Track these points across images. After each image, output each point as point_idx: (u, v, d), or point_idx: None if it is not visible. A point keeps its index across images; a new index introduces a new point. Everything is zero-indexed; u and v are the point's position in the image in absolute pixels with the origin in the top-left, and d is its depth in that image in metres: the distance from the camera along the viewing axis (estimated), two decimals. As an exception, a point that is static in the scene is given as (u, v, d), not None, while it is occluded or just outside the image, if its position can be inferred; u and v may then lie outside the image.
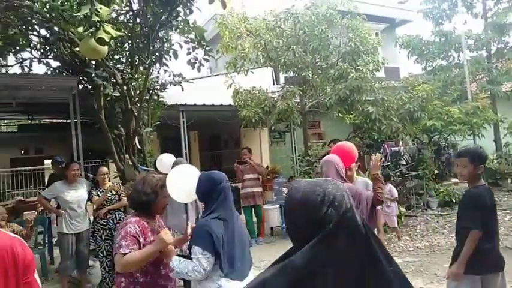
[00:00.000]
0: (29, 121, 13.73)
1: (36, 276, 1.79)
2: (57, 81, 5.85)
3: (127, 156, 6.51)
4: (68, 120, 12.74)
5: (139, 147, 6.39)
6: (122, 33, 5.10)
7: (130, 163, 6.39)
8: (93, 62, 6.08)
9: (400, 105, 7.70)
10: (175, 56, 5.93)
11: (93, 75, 5.53)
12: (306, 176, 7.58)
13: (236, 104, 8.28)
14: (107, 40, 3.04)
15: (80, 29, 3.15)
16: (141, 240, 2.28)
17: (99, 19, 3.07)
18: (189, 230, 2.50)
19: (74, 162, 5.57)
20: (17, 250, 1.65)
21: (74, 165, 5.33)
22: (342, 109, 7.70)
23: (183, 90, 6.87)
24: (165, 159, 5.29)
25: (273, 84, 11.65)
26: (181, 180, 2.58)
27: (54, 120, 13.84)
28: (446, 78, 11.83)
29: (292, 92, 7.57)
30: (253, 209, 7.02)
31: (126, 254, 2.18)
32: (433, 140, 10.26)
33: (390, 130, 7.33)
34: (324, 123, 12.19)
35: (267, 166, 9.51)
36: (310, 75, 7.92)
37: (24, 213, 4.81)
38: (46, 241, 6.73)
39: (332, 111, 7.83)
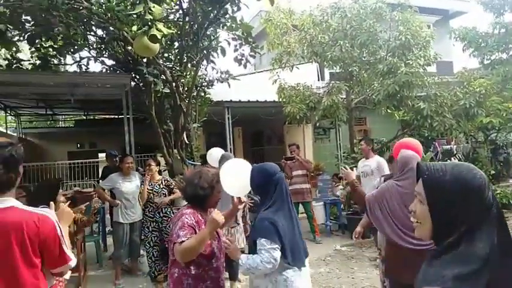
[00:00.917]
0: (85, 117, 14.60)
1: (67, 251, 1.83)
2: (111, 79, 6.15)
3: (175, 150, 6.73)
4: (120, 116, 13.44)
5: (187, 142, 6.58)
6: (173, 31, 5.26)
7: (179, 157, 6.60)
8: (145, 60, 6.34)
9: (454, 101, 7.29)
10: (223, 53, 6.03)
11: (144, 72, 5.76)
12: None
13: (281, 100, 8.27)
14: (159, 38, 3.15)
15: (134, 28, 3.30)
16: (197, 231, 2.32)
17: (151, 17, 3.18)
18: (236, 201, 2.55)
19: (128, 155, 5.83)
20: (28, 226, 1.71)
21: (128, 158, 5.59)
22: (390, 105, 7.45)
23: (229, 86, 6.97)
24: (214, 154, 5.41)
25: (318, 80, 11.50)
26: (235, 173, 2.60)
27: (107, 116, 14.62)
28: (505, 73, 11.01)
29: (338, 87, 7.43)
30: (301, 206, 6.96)
31: (183, 242, 2.22)
32: (489, 138, 9.64)
33: (443, 127, 6.97)
34: (370, 119, 11.85)
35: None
36: (357, 71, 7.72)
37: (93, 200, 5.17)
38: (100, 230, 7.14)
39: (380, 107, 7.60)
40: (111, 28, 6.00)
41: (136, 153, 8.47)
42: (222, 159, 4.89)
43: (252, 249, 2.34)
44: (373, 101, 7.60)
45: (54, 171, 11.88)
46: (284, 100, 8.04)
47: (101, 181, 7.51)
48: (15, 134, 14.09)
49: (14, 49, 6.94)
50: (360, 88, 8.18)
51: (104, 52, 7.36)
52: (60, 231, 1.80)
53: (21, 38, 5.79)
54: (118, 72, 6.83)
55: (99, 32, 6.84)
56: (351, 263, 5.85)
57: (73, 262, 1.88)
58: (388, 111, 8.11)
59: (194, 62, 6.48)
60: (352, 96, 8.23)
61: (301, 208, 6.81)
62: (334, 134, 10.15)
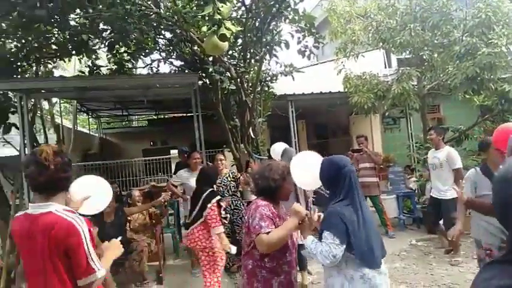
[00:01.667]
0: (156, 116, 15.50)
1: (92, 262, 1.79)
2: (180, 79, 6.44)
3: (242, 145, 6.88)
4: (188, 114, 14.03)
5: (253, 136, 6.68)
6: (241, 29, 5.34)
7: (246, 152, 6.74)
8: (210, 59, 6.55)
9: (545, 82, 6.51)
10: (287, 46, 6.01)
11: (211, 70, 5.94)
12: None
13: (346, 90, 8.03)
14: (228, 36, 3.22)
15: (204, 28, 3.40)
16: (275, 222, 2.35)
17: (220, 17, 3.26)
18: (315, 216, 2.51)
19: (195, 151, 6.08)
20: (56, 232, 1.75)
21: (195, 154, 5.83)
22: (469, 89, 6.86)
23: (294, 79, 6.93)
24: (277, 148, 5.45)
25: (385, 67, 10.97)
26: (305, 166, 2.59)
27: (176, 115, 15.38)
28: None
29: (408, 74, 7.01)
30: (368, 200, 6.75)
31: (268, 233, 2.25)
32: None
33: (531, 111, 6.27)
34: (444, 106, 11.05)
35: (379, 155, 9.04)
36: (430, 55, 7.22)
37: (163, 193, 5.50)
38: (174, 222, 7.56)
39: (457, 92, 7.04)
40: (178, 30, 6.28)
41: (205, 149, 8.82)
42: (284, 154, 4.91)
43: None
44: (448, 86, 7.06)
45: (131, 167, 12.80)
46: (350, 90, 7.79)
47: (173, 176, 7.95)
48: (96, 135, 15.43)
49: (94, 57, 7.58)
50: (433, 73, 7.63)
51: (172, 54, 7.73)
52: (86, 240, 1.78)
53: (102, 46, 6.29)
54: (186, 72, 7.13)
55: (167, 34, 7.20)
56: (428, 258, 5.54)
57: (100, 273, 1.83)
58: (466, 96, 7.47)
59: (258, 57, 6.54)
60: (424, 83, 7.72)
61: (369, 202, 6.57)
62: (404, 123, 9.63)
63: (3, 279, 5.01)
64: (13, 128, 6.57)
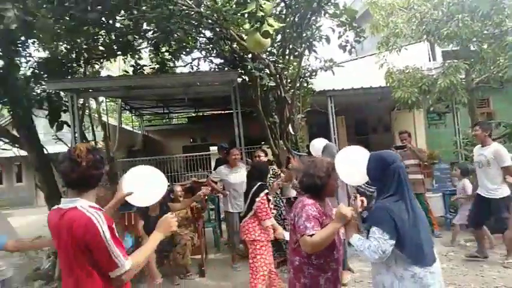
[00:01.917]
0: (196, 113, 15.83)
1: (115, 257, 1.77)
2: (220, 76, 6.54)
3: (281, 141, 6.88)
4: (227, 111, 14.22)
5: (292, 133, 6.66)
6: (283, 25, 5.32)
7: (285, 148, 6.74)
8: (250, 56, 6.60)
9: None
10: (328, 41, 5.93)
11: (250, 67, 5.98)
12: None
13: (389, 85, 7.79)
14: (271, 32, 3.23)
15: (246, 26, 3.42)
16: (320, 222, 2.33)
17: (263, 14, 3.28)
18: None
19: (234, 148, 6.16)
20: (76, 227, 1.75)
21: (234, 151, 5.90)
22: (523, 82, 6.45)
23: (334, 74, 6.83)
24: (316, 144, 5.40)
25: (429, 60, 10.54)
26: (352, 162, 2.55)
27: (215, 112, 15.63)
28: None
29: (456, 67, 6.68)
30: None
31: (313, 235, 2.25)
32: None
33: None
34: (494, 100, 10.44)
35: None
36: (479, 46, 6.84)
37: (203, 188, 5.64)
38: (215, 217, 7.71)
39: (509, 85, 6.63)
40: (218, 29, 6.38)
41: (244, 146, 8.90)
42: (325, 150, 4.85)
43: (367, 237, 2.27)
44: (499, 79, 6.67)
45: (172, 163, 13.20)
46: (393, 85, 7.55)
47: (213, 172, 8.10)
48: (139, 132, 16.01)
49: (137, 56, 7.88)
50: (482, 65, 7.23)
51: (212, 52, 7.87)
52: (105, 236, 1.76)
53: (146, 46, 6.52)
54: (226, 69, 7.23)
55: (207, 33, 7.33)
56: (477, 259, 5.28)
57: (124, 267, 1.80)
58: (520, 89, 7.04)
59: (297, 53, 6.51)
60: (472, 76, 7.33)
61: (414, 200, 6.34)
62: (450, 118, 9.21)
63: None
64: (64, 126, 6.98)
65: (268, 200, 4.30)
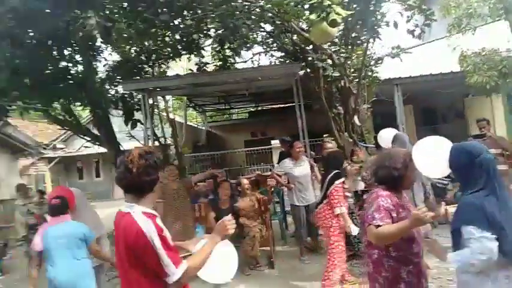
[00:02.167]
0: (256, 108, 16.01)
1: (165, 266, 1.73)
2: (282, 69, 6.53)
3: (346, 133, 6.73)
4: (287, 105, 14.20)
5: (358, 124, 6.47)
6: (351, 12, 5.14)
7: (350, 140, 6.57)
8: (310, 47, 6.51)
9: None
10: (396, 26, 5.65)
11: (313, 58, 5.90)
12: None
13: (462, 69, 7.24)
14: (339, 21, 3.16)
15: (313, 16, 3.38)
16: (394, 215, 2.24)
17: (330, 3, 3.21)
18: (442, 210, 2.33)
19: (297, 141, 6.12)
20: (128, 234, 1.77)
21: (297, 144, 5.87)
22: None
23: (401, 61, 6.51)
24: (385, 135, 5.17)
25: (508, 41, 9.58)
26: (431, 153, 2.42)
27: (274, 106, 15.70)
28: None
29: (541, 46, 6.03)
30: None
31: (379, 226, 2.17)
32: None
33: None
34: None
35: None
36: None
37: (268, 180, 5.74)
38: (280, 210, 7.77)
39: None
40: (278, 22, 6.36)
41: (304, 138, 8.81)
42: (396, 141, 4.63)
43: (455, 240, 2.09)
44: None
45: (234, 158, 13.53)
46: (467, 69, 7.00)
47: (276, 165, 8.14)
48: (203, 128, 16.60)
49: (200, 55, 8.14)
50: None
51: (272, 46, 7.89)
52: (154, 244, 1.73)
53: (211, 43, 6.70)
54: (288, 62, 7.20)
55: (267, 27, 7.35)
56: None
57: (175, 275, 1.76)
58: None
59: (359, 41, 6.30)
60: (562, 55, 6.57)
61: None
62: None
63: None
64: (137, 124, 7.46)
65: (344, 189, 4.36)
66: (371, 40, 6.40)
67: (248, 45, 7.64)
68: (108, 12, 3.87)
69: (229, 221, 2.03)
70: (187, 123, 13.83)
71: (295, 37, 6.86)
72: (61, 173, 19.34)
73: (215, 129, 17.49)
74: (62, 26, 4.43)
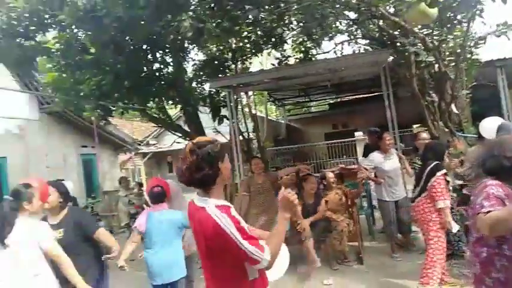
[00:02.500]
0: (337, 99, 15.61)
1: (251, 253, 1.69)
2: (370, 57, 6.22)
3: (441, 122, 6.20)
4: (369, 95, 13.61)
5: (456, 112, 5.93)
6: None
7: (446, 130, 6.05)
8: (398, 32, 6.10)
9: None
10: (504, 1, 5.01)
11: (404, 43, 5.52)
12: None
13: None
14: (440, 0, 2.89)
15: (410, -3, 3.14)
16: (507, 203, 2.01)
17: (429, -19, 2.96)
18: None
19: (386, 132, 5.79)
20: (203, 229, 1.74)
21: (387, 136, 5.54)
22: None
23: (509, 39, 5.77)
24: (487, 125, 4.65)
25: None
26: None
27: (357, 97, 15.16)
28: None
29: None
30: None
31: (488, 212, 1.97)
32: None
33: None
34: None
35: None
36: None
37: (359, 172, 5.54)
38: (367, 204, 7.49)
39: None
40: (363, 8, 6.06)
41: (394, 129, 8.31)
42: (501, 131, 4.15)
43: None
44: None
45: (315, 151, 13.37)
46: None
47: (360, 158, 7.84)
48: (283, 121, 16.70)
49: (281, 48, 8.16)
50: None
51: (356, 34, 7.57)
52: (235, 237, 1.68)
53: (296, 35, 6.64)
54: (375, 49, 6.86)
55: (352, 15, 7.07)
56: None
57: (265, 260, 1.72)
58: None
59: (457, 21, 5.72)
60: None
61: None
62: None
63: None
64: (224, 119, 7.76)
65: (447, 182, 4.08)
66: (472, 19, 5.78)
67: (330, 35, 7.42)
68: (198, 13, 4.04)
69: (289, 193, 1.90)
70: (268, 117, 14.00)
71: (381, 22, 6.49)
72: (153, 166, 21.03)
73: (294, 123, 17.47)
74: (156, 30, 4.76)
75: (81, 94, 6.48)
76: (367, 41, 7.30)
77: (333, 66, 6.51)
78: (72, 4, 4.24)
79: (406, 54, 5.72)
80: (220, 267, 1.80)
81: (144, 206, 8.42)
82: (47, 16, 5.19)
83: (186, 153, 1.77)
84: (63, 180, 3.35)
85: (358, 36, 7.34)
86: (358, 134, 11.14)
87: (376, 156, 5.58)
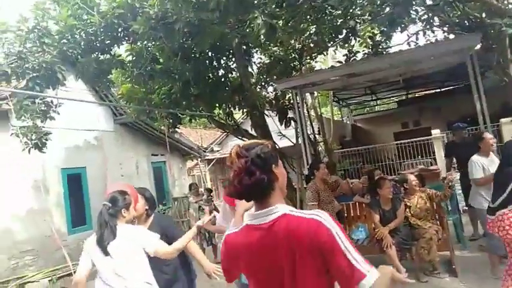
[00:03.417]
0: (407, 96, 14.66)
1: (358, 264, 1.33)
2: (455, 44, 5.61)
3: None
4: (443, 89, 12.58)
5: None
6: None
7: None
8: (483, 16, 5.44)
9: None
10: None
11: (500, 24, 4.85)
12: None
13: None
14: None
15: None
16: None
17: None
18: None
19: (487, 131, 5.06)
20: (300, 235, 1.36)
21: (487, 135, 4.80)
22: None
23: None
24: None
25: None
26: None
27: (427, 92, 14.13)
28: None
29: None
30: None
31: None
32: None
33: None
34: None
35: None
36: None
37: (447, 174, 4.96)
38: (454, 208, 6.76)
39: None
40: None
41: (471, 126, 7.43)
42: None
43: None
44: None
45: (383, 152, 12.59)
46: None
47: (442, 158, 7.15)
48: (347, 122, 16.08)
49: (347, 44, 7.74)
50: None
51: (431, 21, 6.93)
52: (340, 239, 1.35)
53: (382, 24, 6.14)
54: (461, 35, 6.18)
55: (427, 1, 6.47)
56: None
57: (369, 279, 1.32)
58: None
59: None
60: None
61: None
62: None
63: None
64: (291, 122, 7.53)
65: None
66: None
67: (403, 25, 6.87)
68: (268, 10, 3.87)
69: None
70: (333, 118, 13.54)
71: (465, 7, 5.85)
72: (218, 172, 21.43)
73: (360, 123, 16.76)
74: (226, 33, 4.68)
75: (153, 103, 6.65)
76: (446, 29, 6.63)
77: (410, 57, 5.98)
78: (144, 13, 4.30)
79: (501, 37, 5.04)
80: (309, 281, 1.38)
81: (214, 211, 8.50)
82: (120, 29, 5.38)
83: (232, 159, 1.49)
84: (145, 188, 3.31)
85: (436, 23, 6.69)
86: (436, 132, 10.25)
87: (480, 160, 4.81)
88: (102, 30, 5.18)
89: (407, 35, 7.40)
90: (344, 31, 6.56)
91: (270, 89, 8.67)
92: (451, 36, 6.47)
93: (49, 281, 7.04)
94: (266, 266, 1.45)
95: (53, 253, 7.77)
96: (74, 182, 8.81)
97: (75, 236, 8.08)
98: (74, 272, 3.29)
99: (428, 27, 6.81)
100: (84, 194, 9.06)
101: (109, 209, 2.51)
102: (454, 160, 6.78)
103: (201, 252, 3.17)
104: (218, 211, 8.52)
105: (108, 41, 5.49)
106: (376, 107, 18.37)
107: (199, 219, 8.47)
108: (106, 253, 2.41)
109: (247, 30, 3.94)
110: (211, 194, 8.69)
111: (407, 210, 5.28)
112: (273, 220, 1.43)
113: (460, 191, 6.65)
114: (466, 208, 6.44)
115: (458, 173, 6.53)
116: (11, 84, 5.53)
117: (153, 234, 2.61)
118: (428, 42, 7.17)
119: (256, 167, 1.43)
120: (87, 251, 2.50)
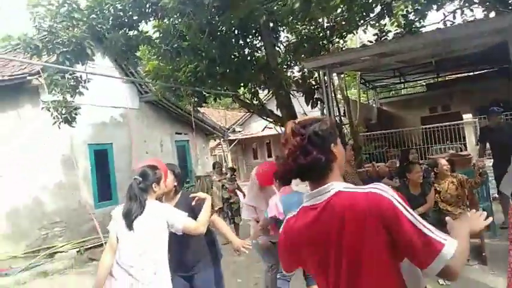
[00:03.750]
0: (437, 79, 14.13)
1: (431, 233, 1.16)
2: (497, 23, 5.28)
3: None
4: (475, 72, 12.02)
5: None
6: None
7: None
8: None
9: None
10: None
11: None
12: None
13: None
14: None
15: None
16: None
17: None
18: None
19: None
20: (359, 209, 1.22)
21: None
22: None
23: None
24: None
25: None
26: None
27: (459, 75, 13.57)
28: None
29: None
30: None
31: None
32: None
33: None
34: None
35: None
36: None
37: (477, 160, 4.76)
38: (484, 195, 6.55)
39: None
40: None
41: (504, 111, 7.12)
42: None
43: None
44: None
45: (410, 136, 12.26)
46: None
47: (468, 143, 6.88)
48: (374, 105, 15.71)
49: (377, 24, 7.45)
50: None
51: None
52: (405, 208, 1.20)
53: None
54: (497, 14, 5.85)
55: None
56: None
57: (448, 249, 1.14)
58: None
59: None
60: None
61: None
62: None
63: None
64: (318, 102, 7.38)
65: None
66: None
67: (439, 3, 6.54)
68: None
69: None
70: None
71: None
72: (239, 153, 21.51)
73: (386, 106, 16.33)
74: (254, 8, 4.56)
75: (179, 81, 6.63)
76: (486, 6, 6.25)
77: (446, 37, 5.68)
78: (174, -13, 4.23)
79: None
80: (370, 262, 1.24)
81: (237, 190, 8.54)
82: (148, 5, 5.33)
83: (287, 136, 1.36)
84: (174, 164, 3.29)
85: (475, 0, 6.33)
86: (467, 116, 9.87)
87: None
88: (130, 5, 5.15)
89: (444, 14, 7.07)
90: (377, 8, 6.29)
91: (296, 68, 8.49)
92: (492, 14, 6.09)
93: (77, 251, 7.31)
94: (323, 249, 1.33)
95: (81, 225, 8.03)
96: (101, 158, 9.00)
97: (101, 211, 8.30)
98: (105, 243, 3.34)
99: (467, 4, 6.46)
100: (110, 170, 9.25)
101: (139, 183, 2.47)
102: (488, 146, 6.51)
103: (228, 228, 3.17)
104: (241, 190, 8.52)
105: (136, 17, 5.46)
106: (403, 90, 17.83)
107: (223, 197, 8.55)
108: (130, 227, 2.39)
109: (278, 5, 3.80)
110: (235, 174, 8.72)
111: (436, 195, 5.14)
112: (328, 199, 1.32)
113: (492, 178, 6.41)
114: (497, 196, 6.22)
115: (492, 160, 6.28)
116: (41, 59, 5.60)
117: (180, 212, 2.58)
118: (466, 21, 6.83)
119: (313, 146, 1.31)
120: (115, 219, 2.50)
